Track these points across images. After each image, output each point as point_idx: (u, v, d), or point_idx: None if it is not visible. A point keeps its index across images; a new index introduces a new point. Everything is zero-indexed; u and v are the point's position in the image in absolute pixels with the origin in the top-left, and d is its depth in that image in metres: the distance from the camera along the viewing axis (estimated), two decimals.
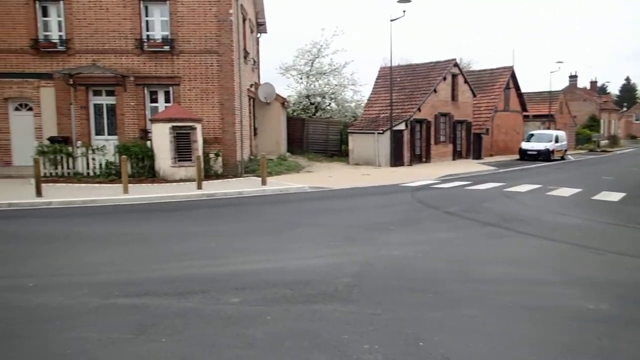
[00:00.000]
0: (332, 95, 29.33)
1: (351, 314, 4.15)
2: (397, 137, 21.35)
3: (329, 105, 29.81)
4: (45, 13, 15.93)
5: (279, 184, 13.91)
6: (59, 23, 15.88)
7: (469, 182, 14.54)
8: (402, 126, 21.57)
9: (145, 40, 15.88)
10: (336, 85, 29.25)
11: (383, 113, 23.04)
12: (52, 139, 15.38)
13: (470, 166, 21.39)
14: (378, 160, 21.20)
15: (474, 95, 26.71)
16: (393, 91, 21.82)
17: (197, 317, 4.08)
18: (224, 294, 4.67)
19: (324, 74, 29.12)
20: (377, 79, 26.03)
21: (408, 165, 21.75)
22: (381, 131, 21.17)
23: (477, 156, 26.48)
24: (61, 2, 15.62)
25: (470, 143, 26.60)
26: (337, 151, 24.83)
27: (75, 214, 9.62)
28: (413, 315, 4.16)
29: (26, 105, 16.22)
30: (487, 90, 29.13)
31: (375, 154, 21.32)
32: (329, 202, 11.39)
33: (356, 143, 22.23)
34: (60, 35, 15.81)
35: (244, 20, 18.18)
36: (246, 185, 13.57)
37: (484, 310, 4.32)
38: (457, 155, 25.73)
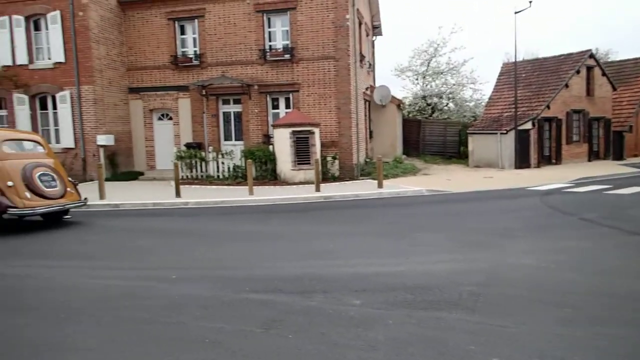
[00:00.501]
0: (450, 95, 28.37)
1: (477, 324, 3.95)
2: (522, 137, 19.94)
3: (446, 106, 28.88)
4: (182, 31, 17.69)
5: (395, 186, 13.79)
6: (194, 40, 17.52)
7: (608, 186, 13.05)
8: (528, 125, 20.09)
9: (268, 50, 16.83)
10: (454, 84, 28.24)
11: (506, 112, 21.67)
12: (188, 145, 17.01)
13: (609, 168, 19.18)
14: (501, 162, 19.99)
15: (614, 89, 23.91)
16: (518, 88, 20.41)
17: (320, 316, 4.20)
18: (345, 294, 4.75)
19: (441, 73, 28.29)
20: (499, 75, 24.57)
21: (535, 167, 20.18)
22: (504, 131, 19.93)
23: (618, 157, 23.64)
24: (196, 20, 17.23)
25: (609, 142, 23.86)
26: (456, 153, 23.92)
27: (208, 213, 10.51)
28: (547, 331, 3.83)
29: (167, 115, 18.15)
30: (630, 82, 25.87)
31: (498, 155, 20.13)
32: (449, 206, 11.01)
33: (477, 144, 21.20)
34: (195, 51, 17.43)
35: (360, 24, 18.37)
36: (362, 188, 13.68)
37: (636, 331, 3.83)
38: (593, 156, 23.24)
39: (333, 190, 13.24)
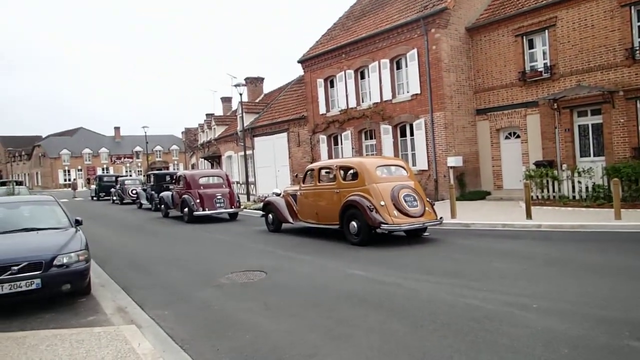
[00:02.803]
0: None
1: None
2: None
3: None
4: (530, 45, 17.01)
5: None
6: (543, 52, 16.57)
7: None
8: None
9: (638, 48, 14.23)
10: None
11: None
12: (537, 163, 16.09)
13: None
14: None
15: None
16: None
17: None
18: None
19: None
20: None
21: None
22: None
23: None
24: (546, 31, 16.28)
25: None
26: None
27: (564, 239, 9.57)
28: None
29: (514, 133, 17.72)
30: None
31: None
32: None
33: None
34: (545, 63, 16.45)
35: None
36: None
37: None
38: None
39: None
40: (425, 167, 18.33)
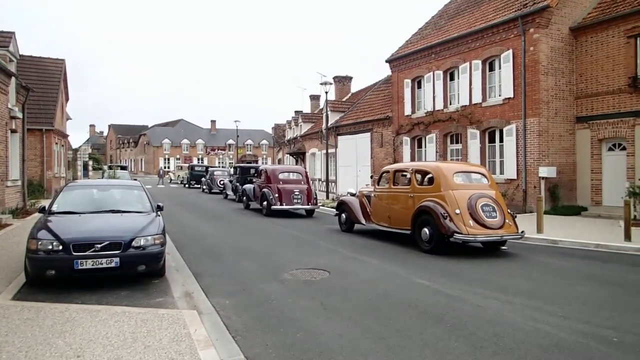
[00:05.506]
0: None
1: None
2: None
3: None
4: None
5: None
6: None
7: None
8: None
9: None
10: None
11: None
12: None
13: None
14: None
15: None
16: None
17: None
18: None
19: None
20: None
21: None
22: None
23: None
24: None
25: None
26: None
27: None
28: None
29: (619, 144, 16.07)
30: None
31: None
32: None
33: None
34: None
35: None
36: None
37: None
38: None
39: None
40: (514, 176, 17.21)
